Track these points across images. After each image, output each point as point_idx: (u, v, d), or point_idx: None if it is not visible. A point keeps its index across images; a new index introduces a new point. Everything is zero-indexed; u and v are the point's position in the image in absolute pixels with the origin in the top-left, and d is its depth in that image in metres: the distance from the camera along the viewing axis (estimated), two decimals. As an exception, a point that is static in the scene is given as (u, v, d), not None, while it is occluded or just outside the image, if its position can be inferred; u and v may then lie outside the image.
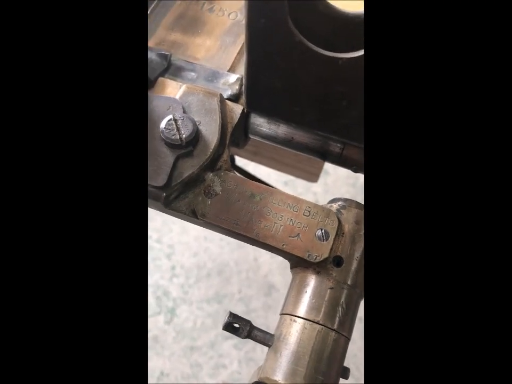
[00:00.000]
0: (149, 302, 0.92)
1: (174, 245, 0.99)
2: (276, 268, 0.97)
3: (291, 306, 0.20)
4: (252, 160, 0.40)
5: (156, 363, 0.89)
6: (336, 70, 0.17)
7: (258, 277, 0.96)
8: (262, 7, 0.15)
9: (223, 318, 0.74)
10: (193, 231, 1.01)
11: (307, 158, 0.27)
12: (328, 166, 1.09)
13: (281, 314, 0.21)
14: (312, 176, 0.43)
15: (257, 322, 0.79)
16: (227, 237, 0.31)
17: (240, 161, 0.73)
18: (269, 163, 0.40)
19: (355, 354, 0.92)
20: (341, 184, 1.09)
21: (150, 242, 0.99)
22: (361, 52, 0.16)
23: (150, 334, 0.91)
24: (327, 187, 1.07)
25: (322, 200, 1.03)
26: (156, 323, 0.91)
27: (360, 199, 1.00)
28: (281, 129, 0.23)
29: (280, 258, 0.77)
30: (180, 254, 0.98)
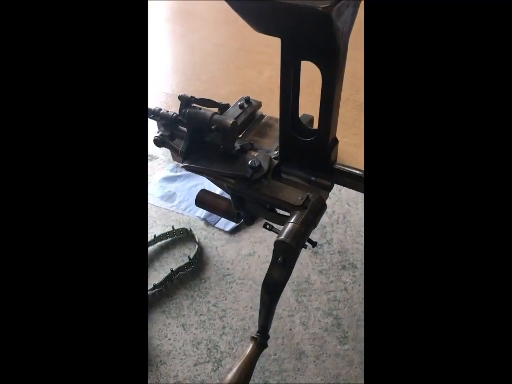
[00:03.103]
0: (200, 352, 1.13)
1: (227, 310, 1.22)
2: (307, 338, 1.14)
3: (289, 219, 0.47)
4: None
5: (200, 404, 1.05)
6: (304, 146, 0.49)
7: (291, 343, 1.14)
8: (282, 135, 0.49)
9: (259, 373, 1.00)
10: (243, 301, 1.25)
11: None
12: (356, 261, 1.32)
13: (284, 224, 0.48)
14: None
15: (287, 381, 1.07)
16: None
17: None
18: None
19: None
20: (367, 277, 1.30)
21: (208, 306, 1.23)
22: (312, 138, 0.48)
23: (198, 378, 1.09)
24: (355, 278, 1.29)
25: (350, 288, 1.23)
26: (204, 369, 1.10)
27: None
28: (293, 171, 0.54)
29: (311, 330, 1.12)
30: (230, 317, 1.20)
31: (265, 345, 0.58)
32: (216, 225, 1.45)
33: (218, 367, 1.10)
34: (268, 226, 0.52)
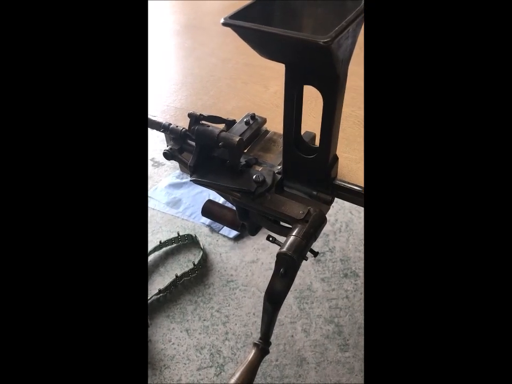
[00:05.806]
0: (203, 357, 1.15)
1: (230, 316, 1.24)
2: (308, 345, 1.16)
3: (291, 232, 0.50)
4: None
5: (202, 408, 1.07)
6: (306, 162, 0.52)
7: (293, 350, 1.16)
8: (286, 152, 0.52)
9: (260, 379, 1.04)
10: (246, 308, 1.27)
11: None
12: (358, 269, 1.34)
13: (287, 236, 0.51)
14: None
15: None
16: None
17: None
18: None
19: None
20: (368, 286, 1.32)
21: (212, 312, 1.26)
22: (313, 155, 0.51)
23: (201, 383, 1.11)
24: (357, 286, 1.31)
25: (352, 296, 1.25)
26: (207, 374, 1.12)
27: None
28: (295, 185, 0.57)
29: (313, 337, 1.15)
30: (233, 323, 1.22)
31: (267, 351, 0.60)
32: (221, 232, 1.48)
33: (220, 372, 1.12)
34: (271, 238, 0.55)
